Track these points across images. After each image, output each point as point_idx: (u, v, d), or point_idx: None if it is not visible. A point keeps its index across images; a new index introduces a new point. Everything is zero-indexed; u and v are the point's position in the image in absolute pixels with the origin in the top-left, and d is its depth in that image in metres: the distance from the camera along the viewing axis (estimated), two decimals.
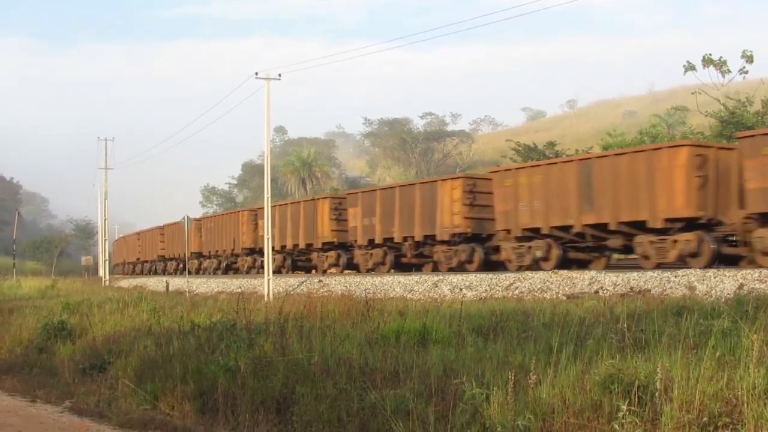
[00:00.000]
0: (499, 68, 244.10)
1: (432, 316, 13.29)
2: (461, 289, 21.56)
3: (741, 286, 15.73)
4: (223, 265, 43.49)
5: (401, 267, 29.38)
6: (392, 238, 28.67)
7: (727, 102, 36.96)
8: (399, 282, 24.37)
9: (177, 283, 36.97)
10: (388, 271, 28.78)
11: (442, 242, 26.58)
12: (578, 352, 8.62)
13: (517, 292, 20.02)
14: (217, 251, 43.86)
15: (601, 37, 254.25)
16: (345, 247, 32.50)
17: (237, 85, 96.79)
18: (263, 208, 36.24)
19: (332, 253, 32.98)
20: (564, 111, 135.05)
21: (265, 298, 25.36)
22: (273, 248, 34.66)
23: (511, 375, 7.48)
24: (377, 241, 29.45)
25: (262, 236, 34.86)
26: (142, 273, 59.24)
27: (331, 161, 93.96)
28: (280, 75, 29.14)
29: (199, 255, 46.40)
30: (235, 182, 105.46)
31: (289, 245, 35.58)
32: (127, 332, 15.58)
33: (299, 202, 36.56)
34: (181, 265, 47.49)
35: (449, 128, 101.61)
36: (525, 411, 7.04)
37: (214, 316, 14.95)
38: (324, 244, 33.26)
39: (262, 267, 37.06)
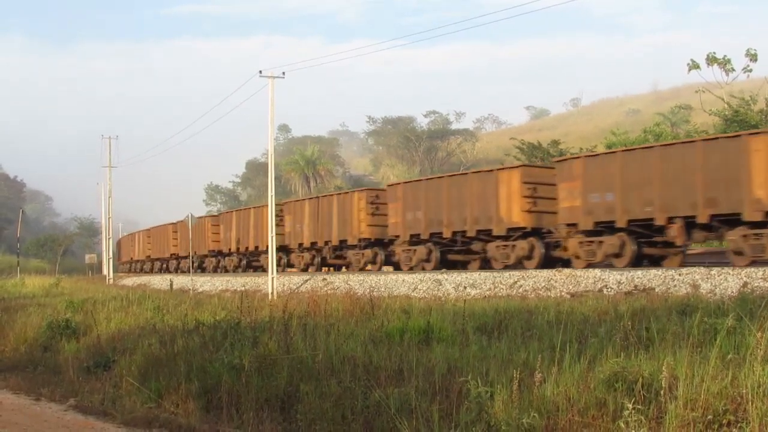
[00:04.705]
0: (502, 67, 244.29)
1: (436, 314, 13.30)
2: (465, 288, 21.53)
3: (745, 285, 15.70)
4: (317, 260, 35.04)
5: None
6: (652, 220, 20.16)
7: (731, 101, 36.94)
8: (403, 280, 24.37)
9: (181, 281, 36.99)
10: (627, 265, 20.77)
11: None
12: (582, 350, 8.61)
13: (521, 290, 19.99)
14: (325, 241, 33.93)
15: (605, 35, 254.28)
16: (540, 234, 23.92)
17: (241, 83, 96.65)
18: (384, 190, 31.62)
19: (523, 243, 24.02)
20: (568, 109, 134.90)
21: (269, 297, 25.37)
22: (397, 237, 28.69)
23: (516, 373, 7.48)
24: (619, 224, 20.90)
25: (395, 222, 28.92)
26: (150, 271, 59.28)
27: (335, 159, 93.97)
28: (284, 73, 29.18)
29: (280, 248, 35.20)
30: (239, 180, 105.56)
31: (424, 234, 27.36)
32: (131, 330, 15.62)
33: (443, 177, 28.41)
34: (244, 262, 41.60)
35: (453, 127, 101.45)
36: (530, 409, 7.04)
37: (218, 315, 14.96)
38: (510, 230, 24.24)
39: (385, 263, 31.76)
